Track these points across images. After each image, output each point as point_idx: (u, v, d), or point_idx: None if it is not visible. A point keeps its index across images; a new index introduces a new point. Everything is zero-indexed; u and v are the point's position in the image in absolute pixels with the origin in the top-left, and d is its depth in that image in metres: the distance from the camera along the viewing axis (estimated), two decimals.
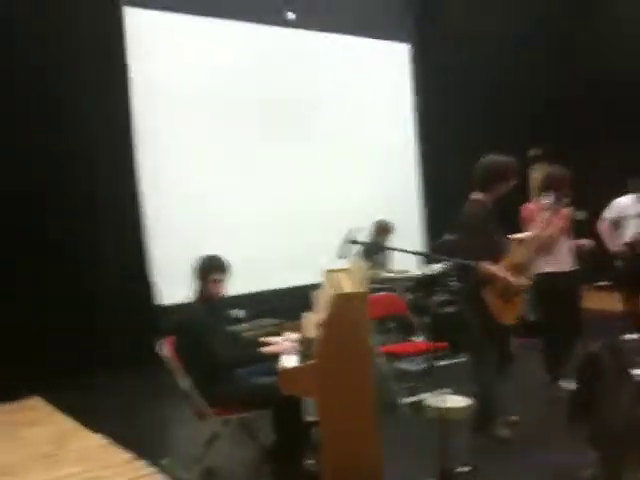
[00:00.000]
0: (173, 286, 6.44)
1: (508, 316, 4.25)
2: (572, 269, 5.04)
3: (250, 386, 3.70)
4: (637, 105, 8.77)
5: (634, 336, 6.50)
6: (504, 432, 4.25)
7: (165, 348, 3.79)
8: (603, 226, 6.48)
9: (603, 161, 8.97)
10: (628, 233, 6.39)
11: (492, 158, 4.30)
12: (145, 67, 7.00)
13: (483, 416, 4.31)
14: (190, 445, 4.07)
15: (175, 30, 7.38)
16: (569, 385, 4.80)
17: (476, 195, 4.29)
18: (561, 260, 4.96)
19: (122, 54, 6.77)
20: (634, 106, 8.81)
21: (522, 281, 4.19)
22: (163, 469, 3.97)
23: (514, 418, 4.40)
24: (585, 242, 5.11)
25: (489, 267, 4.07)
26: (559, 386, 5.02)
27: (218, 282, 3.92)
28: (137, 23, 7.00)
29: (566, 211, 4.97)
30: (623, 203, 6.48)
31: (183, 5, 7.41)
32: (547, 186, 4.94)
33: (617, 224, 6.47)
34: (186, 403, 3.80)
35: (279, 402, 3.49)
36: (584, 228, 5.34)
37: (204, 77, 7.50)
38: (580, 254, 5.09)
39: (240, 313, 6.66)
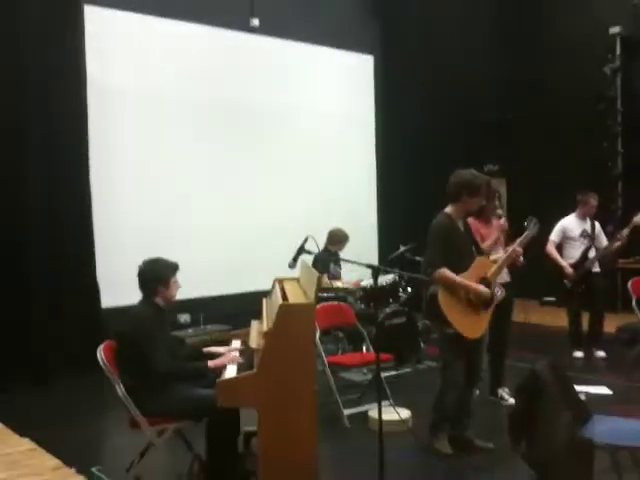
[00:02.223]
0: (116, 290, 6.39)
1: (474, 330, 4.15)
2: (507, 281, 5.05)
3: (187, 396, 3.59)
4: (584, 126, 9.04)
5: (579, 354, 6.62)
6: (445, 447, 4.25)
7: (102, 353, 3.66)
8: (550, 248, 6.57)
9: (558, 180, 9.22)
10: (574, 254, 6.50)
11: (465, 172, 4.23)
12: (103, 67, 6.83)
13: (430, 428, 4.32)
14: (123, 454, 3.94)
15: (135, 31, 7.20)
16: (509, 397, 5.00)
17: (446, 208, 4.27)
18: None
19: (81, 53, 6.59)
20: (582, 127, 9.08)
21: (485, 290, 4.10)
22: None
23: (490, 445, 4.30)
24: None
25: (448, 274, 4.03)
26: (500, 399, 5.16)
27: (177, 285, 3.84)
28: (97, 22, 6.81)
29: (500, 222, 4.99)
30: (567, 224, 6.59)
31: (145, 6, 7.22)
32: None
33: (563, 245, 6.59)
34: (123, 411, 3.67)
35: (216, 413, 3.40)
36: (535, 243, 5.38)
37: (164, 80, 7.36)
38: (513, 266, 4.98)
39: (186, 318, 6.55)
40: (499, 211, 5.01)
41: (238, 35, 7.96)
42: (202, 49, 7.66)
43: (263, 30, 8.08)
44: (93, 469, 3.97)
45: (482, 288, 4.09)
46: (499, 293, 4.31)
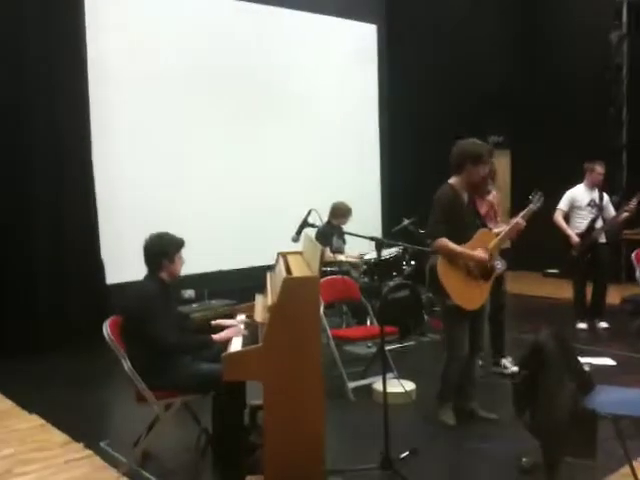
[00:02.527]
0: (120, 266, 6.40)
1: (472, 302, 4.16)
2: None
3: (193, 370, 3.61)
4: (588, 95, 8.98)
5: (583, 325, 6.64)
6: (450, 418, 4.30)
7: (108, 328, 3.68)
8: (558, 217, 6.56)
9: (562, 151, 9.20)
10: (582, 223, 6.49)
11: (467, 142, 4.21)
12: (101, 37, 6.74)
13: (437, 398, 4.37)
14: (130, 429, 3.99)
15: (131, 2, 7.09)
16: (511, 366, 5.12)
17: (450, 179, 4.24)
18: None
19: (80, 23, 6.51)
20: (587, 97, 9.02)
21: (482, 255, 4.08)
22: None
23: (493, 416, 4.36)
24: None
25: (447, 243, 4.02)
26: (503, 368, 5.25)
27: (182, 261, 3.85)
28: None
29: (491, 197, 5.08)
30: (575, 193, 6.58)
31: None
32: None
33: (571, 214, 6.58)
34: (129, 386, 3.70)
35: (221, 387, 3.42)
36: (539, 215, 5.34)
37: (162, 52, 7.25)
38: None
39: (190, 293, 6.55)
40: (490, 187, 5.09)
41: (238, 4, 7.84)
42: (201, 18, 7.55)
43: None
44: (101, 443, 4.01)
45: (479, 254, 4.08)
46: (499, 265, 4.31)
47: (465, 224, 4.17)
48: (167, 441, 3.94)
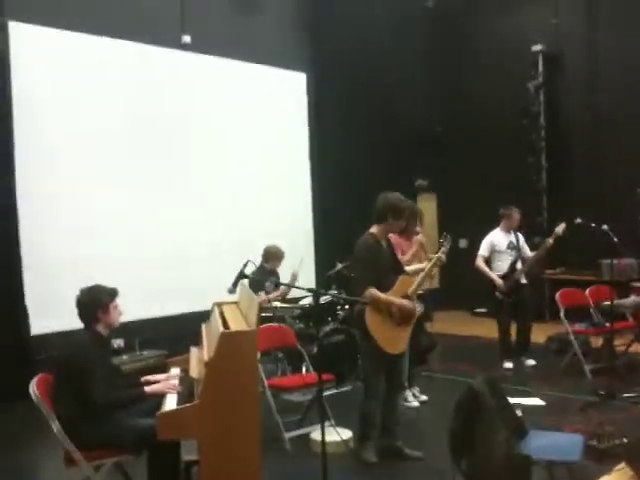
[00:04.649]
0: (45, 316, 6.15)
1: (395, 346, 4.38)
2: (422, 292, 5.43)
3: (126, 428, 3.47)
4: (510, 141, 9.39)
5: (509, 364, 6.81)
6: (371, 457, 4.40)
7: (35, 387, 3.50)
8: (480, 263, 6.77)
9: (485, 194, 9.52)
10: (503, 266, 6.72)
11: (393, 196, 4.43)
12: (30, 84, 6.59)
13: (357, 437, 4.50)
14: None
15: (65, 48, 6.94)
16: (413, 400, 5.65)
17: (372, 228, 4.45)
18: None
19: (6, 70, 6.37)
20: (508, 142, 9.43)
21: (409, 304, 4.34)
22: None
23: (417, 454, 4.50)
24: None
25: (376, 293, 4.21)
26: (404, 400, 5.54)
27: (118, 310, 3.76)
28: (24, 39, 6.58)
29: (417, 238, 5.49)
30: (494, 238, 6.82)
31: (75, 23, 6.91)
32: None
33: (492, 259, 6.80)
34: (55, 447, 3.52)
35: (156, 445, 3.31)
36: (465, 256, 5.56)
37: (95, 100, 7.11)
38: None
39: (119, 342, 6.33)
40: (418, 229, 5.54)
41: (170, 52, 7.82)
42: (134, 66, 7.47)
43: (195, 47, 8.00)
44: None
45: (406, 302, 4.35)
46: (418, 308, 4.62)
47: (386, 270, 4.40)
48: None
